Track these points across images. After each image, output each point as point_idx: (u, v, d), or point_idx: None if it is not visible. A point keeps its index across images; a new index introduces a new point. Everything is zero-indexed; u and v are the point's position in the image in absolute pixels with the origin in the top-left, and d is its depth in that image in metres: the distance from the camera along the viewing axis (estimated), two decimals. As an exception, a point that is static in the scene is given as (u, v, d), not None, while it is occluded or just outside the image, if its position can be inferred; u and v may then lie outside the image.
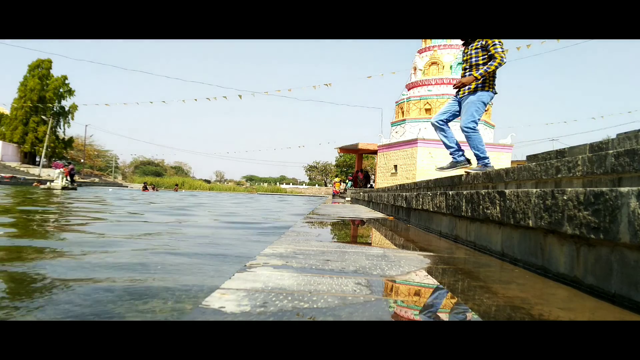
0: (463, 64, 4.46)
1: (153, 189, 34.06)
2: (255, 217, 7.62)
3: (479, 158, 4.51)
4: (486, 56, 4.29)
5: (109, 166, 68.90)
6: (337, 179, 33.10)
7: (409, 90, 26.76)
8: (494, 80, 4.38)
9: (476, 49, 4.33)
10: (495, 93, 4.46)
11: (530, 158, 5.42)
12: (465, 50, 4.45)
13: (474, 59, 4.35)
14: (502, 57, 4.20)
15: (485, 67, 4.22)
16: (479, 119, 4.37)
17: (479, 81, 4.29)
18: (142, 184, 36.25)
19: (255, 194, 43.06)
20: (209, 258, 2.86)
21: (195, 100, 37.52)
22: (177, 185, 46.01)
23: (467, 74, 4.39)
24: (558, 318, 0.91)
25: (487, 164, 4.48)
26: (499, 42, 4.27)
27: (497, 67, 4.24)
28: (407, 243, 2.35)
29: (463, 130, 4.38)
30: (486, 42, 4.25)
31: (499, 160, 23.26)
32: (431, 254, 1.85)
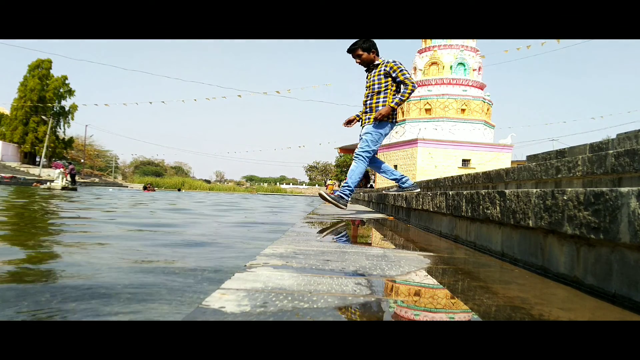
0: (366, 90, 4.34)
1: (152, 189, 34.40)
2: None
3: (345, 184, 4.35)
4: (389, 82, 4.17)
5: (109, 166, 68.93)
6: (329, 182, 33.25)
7: (409, 90, 26.66)
8: (394, 112, 4.24)
9: (379, 75, 4.20)
10: (395, 124, 4.33)
11: (531, 158, 5.43)
12: (368, 77, 4.32)
13: (376, 86, 4.22)
14: (413, 83, 4.08)
15: (399, 96, 4.08)
16: (374, 150, 4.26)
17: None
18: (143, 185, 36.66)
19: (255, 194, 43.11)
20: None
21: (195, 100, 37.69)
22: (179, 189, 46.90)
23: (369, 102, 4.27)
24: (558, 318, 0.91)
25: (347, 194, 4.35)
26: (404, 67, 4.15)
27: (410, 94, 4.11)
28: (407, 243, 2.35)
29: (355, 155, 4.27)
30: (390, 67, 4.13)
31: (499, 161, 23.29)
32: (431, 254, 1.85)
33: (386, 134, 4.29)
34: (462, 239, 2.24)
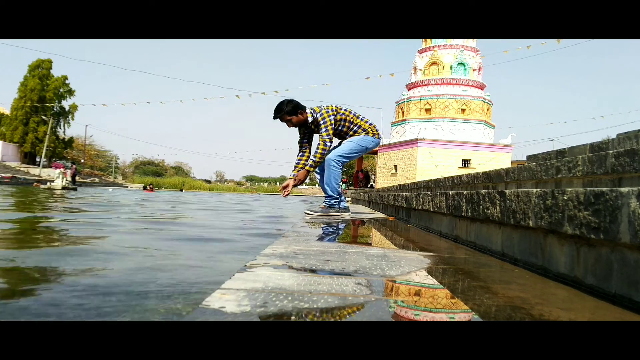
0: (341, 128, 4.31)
1: (152, 189, 34.45)
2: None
3: (326, 196, 4.28)
4: (337, 123, 4.19)
5: (109, 166, 68.94)
6: None
7: (409, 90, 26.77)
8: (375, 129, 4.30)
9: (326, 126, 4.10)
10: (379, 138, 4.35)
11: (531, 158, 5.42)
12: (314, 135, 4.32)
13: (338, 129, 4.22)
14: (325, 141, 4.05)
15: (312, 157, 4.09)
16: (345, 160, 4.20)
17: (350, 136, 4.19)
18: (143, 185, 36.79)
19: (256, 194, 43.24)
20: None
21: (194, 100, 37.81)
22: (181, 189, 47.37)
23: (345, 135, 4.28)
24: (558, 318, 0.91)
25: (334, 203, 4.26)
26: (322, 121, 4.07)
27: (322, 153, 4.06)
28: (407, 243, 2.35)
29: (329, 161, 4.18)
30: (317, 121, 4.13)
31: (499, 160, 23.29)
32: (431, 254, 1.85)
33: (369, 148, 4.28)
34: (462, 239, 2.24)
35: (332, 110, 4.12)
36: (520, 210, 1.50)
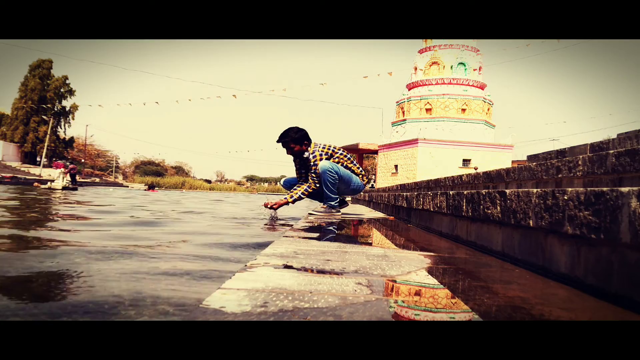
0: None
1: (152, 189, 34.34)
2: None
3: (325, 198, 4.50)
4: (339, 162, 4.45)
5: (110, 166, 68.92)
6: None
7: (409, 90, 26.76)
8: (365, 177, 4.63)
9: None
10: (364, 186, 4.65)
11: (531, 158, 5.42)
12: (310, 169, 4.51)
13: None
14: (309, 185, 4.32)
15: (299, 192, 4.35)
16: (336, 174, 4.45)
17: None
18: (148, 185, 36.69)
19: (256, 194, 43.28)
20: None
21: (190, 100, 37.90)
22: (182, 189, 47.63)
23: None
24: (559, 318, 0.91)
25: (334, 205, 4.46)
26: (315, 162, 4.28)
27: (307, 194, 4.32)
28: (408, 243, 2.35)
29: (324, 173, 4.40)
30: (309, 159, 4.37)
31: (500, 160, 23.27)
32: (432, 253, 1.85)
33: (354, 184, 4.51)
34: (463, 238, 2.24)
35: (327, 153, 4.36)
36: (521, 210, 1.50)
